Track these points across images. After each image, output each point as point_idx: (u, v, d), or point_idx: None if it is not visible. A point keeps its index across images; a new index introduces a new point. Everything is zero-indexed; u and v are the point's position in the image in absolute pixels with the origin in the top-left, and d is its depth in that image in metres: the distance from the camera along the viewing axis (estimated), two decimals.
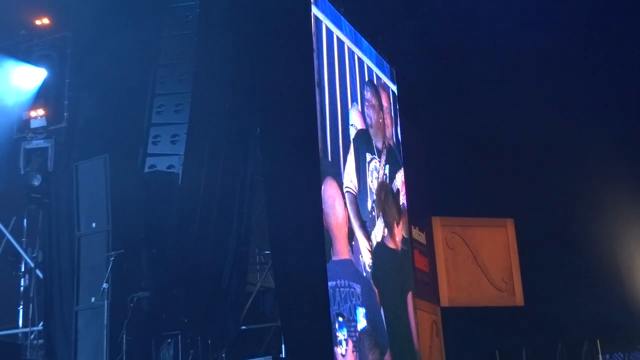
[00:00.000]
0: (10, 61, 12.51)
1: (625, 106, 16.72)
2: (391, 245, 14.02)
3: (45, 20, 12.79)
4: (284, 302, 12.16)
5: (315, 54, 11.87)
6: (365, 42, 14.27)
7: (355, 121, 13.22)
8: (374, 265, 12.88)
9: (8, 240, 12.97)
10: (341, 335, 11.27)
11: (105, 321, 10.56)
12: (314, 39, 11.93)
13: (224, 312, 12.56)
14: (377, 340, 12.49)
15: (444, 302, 16.39)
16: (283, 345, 12.38)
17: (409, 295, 14.45)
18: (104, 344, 10.51)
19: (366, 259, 12.72)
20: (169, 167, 12.12)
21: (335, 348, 11.07)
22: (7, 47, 12.70)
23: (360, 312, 12.11)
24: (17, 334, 12.71)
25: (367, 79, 14.11)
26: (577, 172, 16.58)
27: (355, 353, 11.56)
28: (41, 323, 12.11)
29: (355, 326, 11.82)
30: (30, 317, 12.38)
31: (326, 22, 12.49)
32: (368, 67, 14.26)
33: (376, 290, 12.83)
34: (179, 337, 11.00)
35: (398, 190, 14.99)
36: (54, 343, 11.62)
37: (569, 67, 16.70)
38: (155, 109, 12.35)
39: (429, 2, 16.64)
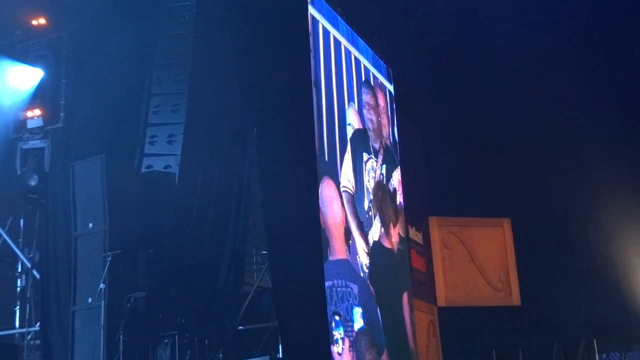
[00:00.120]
0: (7, 61, 12.50)
1: (623, 106, 16.73)
2: (387, 245, 14.02)
3: (42, 20, 12.78)
4: (281, 302, 12.15)
5: (312, 54, 11.86)
6: (361, 42, 14.27)
7: (353, 121, 13.22)
8: (370, 265, 12.87)
9: (5, 240, 12.96)
10: (337, 334, 11.27)
11: (102, 321, 10.56)
12: (310, 38, 11.92)
13: (221, 312, 12.55)
14: (374, 340, 12.49)
15: (441, 301, 16.39)
16: (280, 346, 12.37)
17: (405, 295, 14.45)
18: (101, 344, 10.51)
19: (363, 259, 12.72)
20: (166, 167, 12.12)
21: (332, 347, 11.07)
22: (3, 47, 12.70)
23: (357, 312, 12.10)
24: (13, 334, 12.70)
25: (363, 79, 14.11)
26: (574, 172, 16.60)
27: (352, 352, 11.56)
28: (38, 323, 12.12)
29: (352, 326, 11.82)
30: (27, 317, 12.38)
31: (323, 22, 12.49)
32: (365, 66, 14.26)
33: (373, 290, 12.83)
34: (176, 337, 11.00)
35: (395, 190, 14.99)
36: (51, 343, 11.62)
37: (567, 67, 16.71)
38: (151, 109, 12.35)
39: (426, 1, 16.65)
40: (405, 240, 15.02)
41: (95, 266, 10.95)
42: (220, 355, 12.03)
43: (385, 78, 15.40)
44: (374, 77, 14.75)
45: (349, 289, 11.90)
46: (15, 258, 13.04)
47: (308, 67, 11.77)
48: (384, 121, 14.85)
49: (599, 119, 16.51)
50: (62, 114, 12.38)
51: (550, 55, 16.66)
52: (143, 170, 12.15)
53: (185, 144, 12.11)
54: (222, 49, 12.71)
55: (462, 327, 15.76)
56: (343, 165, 12.50)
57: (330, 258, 11.52)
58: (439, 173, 16.62)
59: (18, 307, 12.89)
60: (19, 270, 13.09)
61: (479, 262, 16.92)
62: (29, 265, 12.66)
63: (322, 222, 11.42)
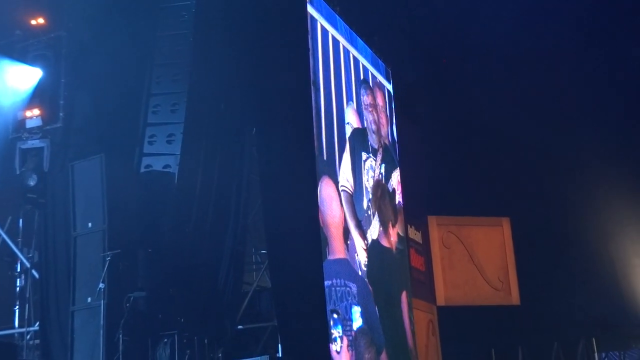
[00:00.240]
0: (6, 61, 12.50)
1: (622, 106, 16.74)
2: (386, 244, 14.02)
3: (41, 20, 12.78)
4: (280, 301, 12.14)
5: (310, 53, 11.86)
6: (360, 41, 14.27)
7: (351, 120, 13.23)
8: (368, 264, 12.88)
9: (4, 240, 12.96)
10: (336, 332, 11.27)
11: (102, 321, 10.57)
12: (309, 38, 11.92)
13: (221, 311, 12.55)
14: (373, 339, 12.49)
15: (440, 301, 16.39)
16: (279, 345, 12.37)
17: (404, 294, 14.45)
18: (101, 344, 10.52)
19: (362, 258, 12.72)
20: (165, 166, 12.14)
21: (330, 345, 11.07)
22: (2, 47, 12.70)
23: (356, 310, 12.10)
24: (13, 334, 12.70)
25: (362, 78, 14.11)
26: (574, 171, 16.60)
27: (350, 351, 11.56)
28: (37, 323, 12.12)
29: (351, 325, 11.82)
30: (26, 317, 12.39)
31: (321, 21, 12.49)
32: (363, 66, 14.26)
33: (371, 289, 12.84)
34: (176, 336, 11.01)
35: (394, 189, 14.99)
36: (50, 343, 11.63)
37: (567, 67, 16.71)
38: (151, 108, 12.37)
39: (425, 0, 16.65)
40: (404, 239, 15.03)
41: (95, 266, 10.96)
42: (219, 354, 12.03)
43: (384, 77, 15.41)
44: (373, 76, 14.75)
45: (347, 288, 11.90)
46: (15, 258, 13.05)
47: (307, 67, 11.77)
48: (383, 120, 14.85)
49: (599, 118, 16.51)
50: (61, 114, 12.38)
51: (550, 55, 16.67)
52: (142, 169, 12.17)
53: (185, 143, 12.12)
54: (221, 49, 12.72)
55: (461, 327, 15.75)
56: (342, 164, 12.51)
57: (329, 257, 11.52)
58: (438, 172, 16.61)
59: (17, 306, 12.89)
60: (18, 270, 13.09)
61: (478, 261, 16.92)
62: (28, 265, 12.67)
63: (321, 221, 11.42)
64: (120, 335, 10.55)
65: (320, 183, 11.58)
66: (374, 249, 13.28)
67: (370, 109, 14.23)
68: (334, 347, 11.15)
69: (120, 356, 10.50)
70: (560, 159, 16.65)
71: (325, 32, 12.57)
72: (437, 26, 16.57)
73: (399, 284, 14.39)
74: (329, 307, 11.21)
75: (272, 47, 12.41)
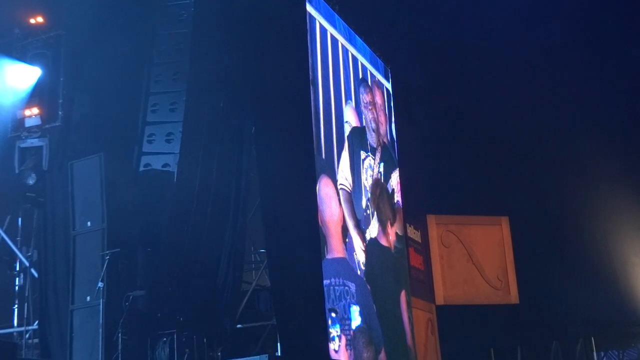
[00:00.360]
0: (5, 60, 12.49)
1: (622, 106, 16.76)
2: (385, 243, 14.03)
3: (40, 19, 12.77)
4: (279, 300, 12.15)
5: (309, 52, 11.87)
6: (359, 40, 14.29)
7: (350, 118, 13.23)
8: (367, 263, 12.88)
9: (3, 239, 12.95)
10: (334, 331, 11.28)
11: (101, 320, 10.56)
12: (308, 36, 11.93)
13: (220, 310, 12.54)
14: (371, 338, 12.50)
15: (439, 300, 16.41)
16: (278, 344, 12.37)
17: (403, 293, 14.46)
18: (100, 343, 10.51)
19: (360, 257, 12.73)
20: (164, 165, 12.10)
21: (328, 344, 11.08)
22: (1, 46, 12.68)
23: (355, 310, 12.11)
24: (12, 333, 12.69)
25: (361, 77, 14.12)
26: (572, 170, 16.63)
27: (348, 350, 11.57)
28: (36, 322, 12.11)
29: (350, 324, 11.83)
30: (25, 316, 12.37)
31: (320, 20, 12.49)
32: (362, 64, 14.27)
33: (369, 288, 12.84)
34: (175, 335, 10.99)
35: (393, 188, 15.00)
36: (49, 342, 11.61)
37: (567, 67, 16.73)
38: (150, 107, 12.32)
39: (425, 0, 16.67)
40: (403, 238, 15.03)
41: (94, 265, 10.94)
42: (218, 353, 12.03)
43: (383, 76, 15.41)
44: (372, 75, 14.76)
45: (346, 288, 11.91)
46: (14, 257, 13.02)
47: (306, 65, 11.79)
48: (382, 119, 14.86)
49: (598, 118, 16.54)
50: (60, 113, 12.37)
51: (549, 55, 16.68)
52: (141, 168, 12.13)
53: (184, 142, 12.09)
54: (220, 48, 12.71)
55: (460, 326, 15.78)
56: (340, 163, 12.51)
57: (328, 256, 11.53)
58: (437, 171, 16.64)
59: (16, 305, 12.87)
60: (17, 268, 13.06)
61: (477, 260, 16.94)
62: (27, 263, 12.65)
63: (320, 220, 11.43)
64: (120, 334, 10.53)
65: (319, 182, 11.59)
66: (372, 248, 13.29)
67: (369, 108, 14.24)
68: (332, 346, 11.16)
69: (120, 355, 10.49)
70: (559, 158, 16.67)
71: (324, 30, 12.57)
72: (436, 25, 16.58)
73: (397, 283, 14.40)
74: (328, 306, 11.22)
75: (271, 46, 12.42)
